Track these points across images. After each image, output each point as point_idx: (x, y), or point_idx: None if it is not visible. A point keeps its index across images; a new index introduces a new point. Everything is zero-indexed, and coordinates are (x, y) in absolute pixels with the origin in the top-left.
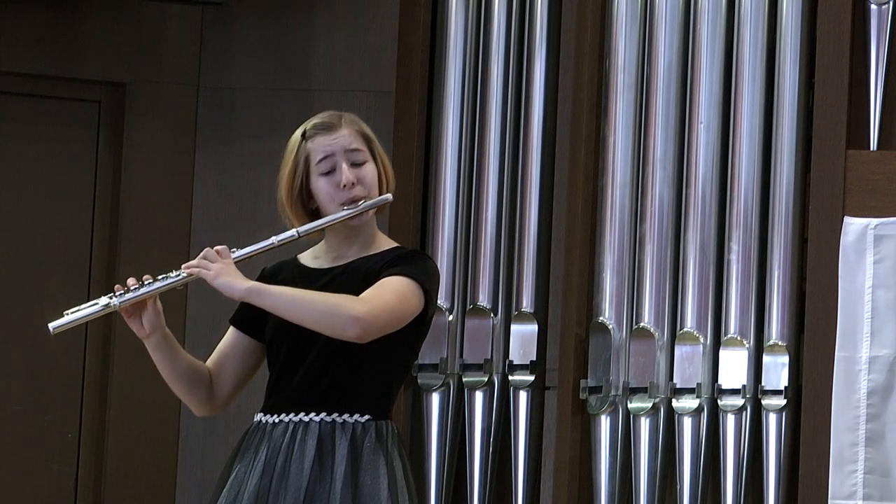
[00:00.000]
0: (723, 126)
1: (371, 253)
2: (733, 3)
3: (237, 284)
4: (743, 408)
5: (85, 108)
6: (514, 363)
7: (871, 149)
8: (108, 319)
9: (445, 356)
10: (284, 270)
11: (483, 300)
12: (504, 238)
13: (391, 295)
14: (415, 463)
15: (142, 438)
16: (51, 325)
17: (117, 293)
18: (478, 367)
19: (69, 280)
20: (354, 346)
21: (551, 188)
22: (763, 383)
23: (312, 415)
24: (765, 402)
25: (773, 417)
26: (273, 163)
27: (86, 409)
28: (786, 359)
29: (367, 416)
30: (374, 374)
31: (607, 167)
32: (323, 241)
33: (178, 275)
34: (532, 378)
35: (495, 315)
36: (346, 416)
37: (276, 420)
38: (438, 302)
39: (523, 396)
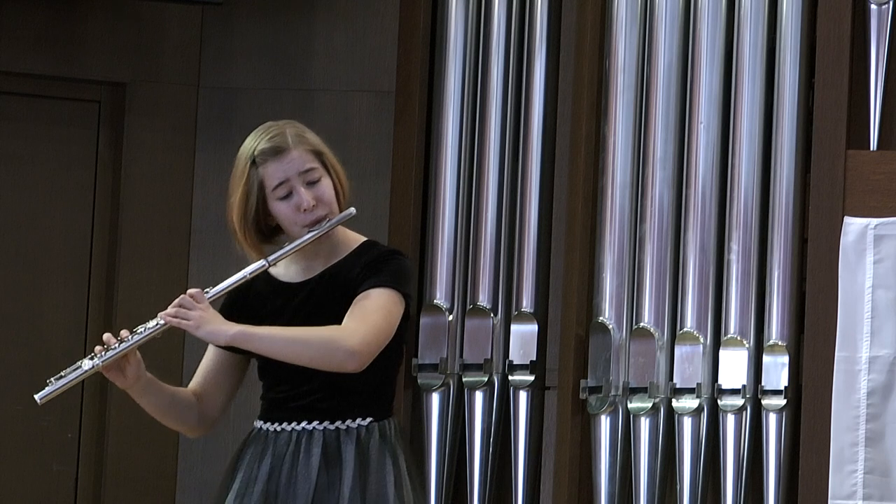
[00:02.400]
0: (723, 126)
1: (342, 257)
2: (733, 3)
3: (222, 332)
4: (743, 408)
5: (85, 108)
6: (514, 363)
7: (871, 149)
8: (109, 320)
9: (445, 356)
10: (256, 284)
11: (483, 300)
12: (504, 238)
13: (377, 315)
14: (415, 456)
15: (142, 438)
16: (37, 397)
17: (98, 354)
18: (478, 367)
19: (69, 280)
20: None
21: (551, 188)
22: (763, 383)
23: (316, 423)
24: (765, 402)
25: (773, 417)
26: None
27: (86, 409)
28: (786, 359)
29: (369, 419)
30: (374, 378)
31: (607, 167)
32: None
33: (157, 324)
34: (532, 378)
35: (495, 315)
36: (349, 422)
37: (279, 429)
38: (438, 302)
39: (523, 396)
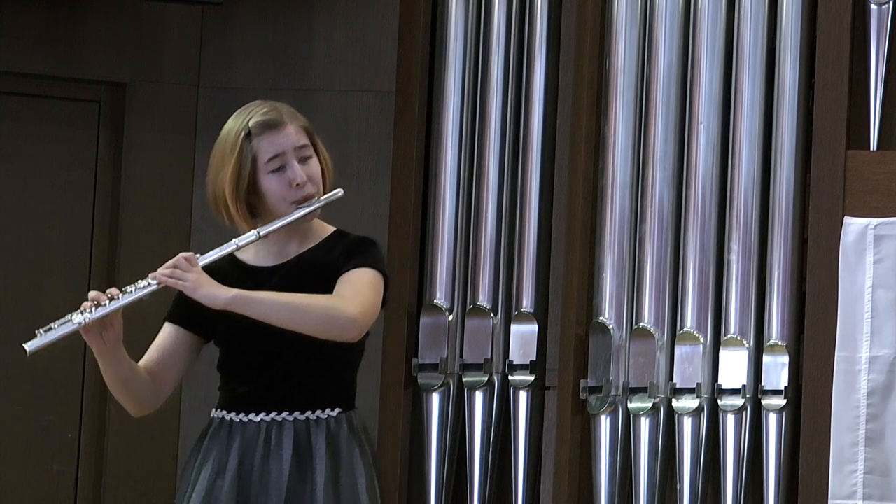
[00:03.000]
0: (723, 126)
1: (315, 244)
2: (733, 3)
3: (220, 294)
4: (743, 408)
5: (85, 108)
6: (514, 363)
7: (871, 149)
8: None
9: (445, 356)
10: (223, 269)
11: (483, 300)
12: (504, 238)
13: (369, 290)
14: (415, 463)
15: (142, 438)
16: (26, 346)
17: (87, 309)
18: (478, 367)
19: (69, 280)
20: (322, 345)
21: (551, 188)
22: (763, 383)
23: (286, 414)
24: (765, 402)
25: (773, 417)
26: None
27: (86, 409)
28: (786, 359)
29: (338, 410)
30: (341, 368)
31: (607, 167)
32: None
33: (148, 285)
34: (532, 378)
35: (495, 315)
36: (318, 413)
37: (245, 419)
38: (438, 301)
39: (523, 396)
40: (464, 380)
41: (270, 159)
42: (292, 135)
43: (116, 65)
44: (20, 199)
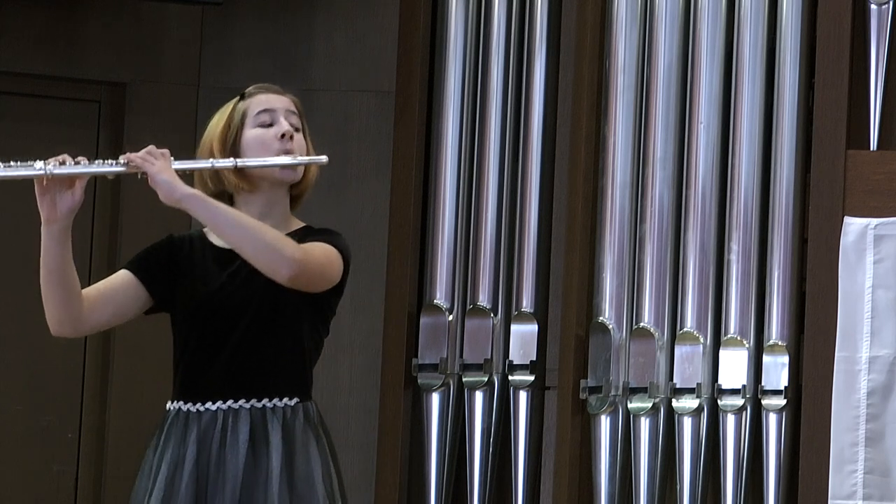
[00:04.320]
0: (723, 126)
1: (285, 233)
2: (733, 3)
3: (179, 186)
4: (743, 408)
5: (85, 108)
6: (514, 363)
7: (871, 149)
8: None
9: (445, 356)
10: (194, 244)
11: (483, 300)
12: (504, 238)
13: (321, 254)
14: (415, 463)
15: (142, 438)
16: None
17: (52, 163)
18: (478, 367)
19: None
20: (277, 324)
21: (551, 188)
22: (763, 383)
23: (242, 401)
24: (765, 402)
25: (773, 417)
26: None
27: (86, 409)
28: (786, 359)
29: (295, 399)
30: (296, 355)
31: (607, 167)
32: None
33: (117, 163)
34: (532, 378)
35: (495, 315)
36: (275, 401)
37: (202, 409)
38: (438, 302)
39: (523, 396)
40: (464, 380)
41: (260, 112)
42: (285, 100)
43: (116, 65)
44: (20, 200)
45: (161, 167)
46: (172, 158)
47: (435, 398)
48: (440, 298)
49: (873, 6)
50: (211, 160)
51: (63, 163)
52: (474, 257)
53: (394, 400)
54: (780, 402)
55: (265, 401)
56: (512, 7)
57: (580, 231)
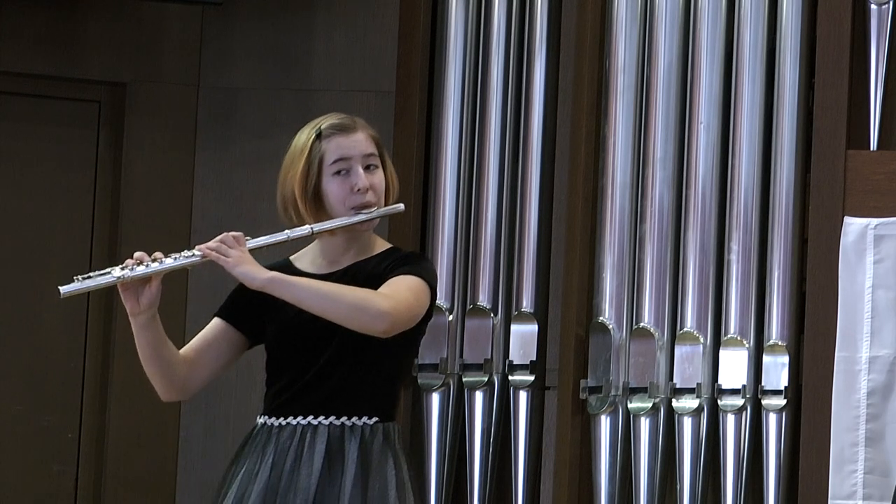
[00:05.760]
0: (723, 126)
1: (368, 256)
2: (733, 3)
3: (258, 274)
4: (743, 408)
5: (85, 108)
6: (514, 363)
7: (871, 149)
8: (109, 320)
9: (445, 356)
10: (283, 272)
11: (483, 300)
12: (504, 238)
13: (409, 293)
14: (415, 463)
15: (142, 438)
16: (62, 289)
17: (129, 266)
18: (478, 367)
19: (69, 280)
20: (365, 349)
21: (551, 188)
22: (763, 383)
23: (321, 418)
24: (765, 402)
25: (773, 417)
26: (273, 163)
27: (86, 409)
28: (786, 359)
29: (375, 419)
30: (381, 376)
31: (607, 167)
32: (316, 244)
33: (192, 255)
34: (532, 378)
35: (495, 315)
36: (354, 420)
37: (283, 423)
38: (438, 302)
39: (523, 396)
40: (464, 380)
41: (335, 161)
42: (361, 141)
43: (116, 65)
44: (20, 200)
45: (236, 259)
46: (249, 238)
47: (435, 398)
48: (440, 298)
49: (873, 6)
50: (286, 232)
51: (141, 262)
52: (474, 257)
53: None
54: (780, 402)
55: (343, 419)
56: (512, 7)
57: (580, 231)
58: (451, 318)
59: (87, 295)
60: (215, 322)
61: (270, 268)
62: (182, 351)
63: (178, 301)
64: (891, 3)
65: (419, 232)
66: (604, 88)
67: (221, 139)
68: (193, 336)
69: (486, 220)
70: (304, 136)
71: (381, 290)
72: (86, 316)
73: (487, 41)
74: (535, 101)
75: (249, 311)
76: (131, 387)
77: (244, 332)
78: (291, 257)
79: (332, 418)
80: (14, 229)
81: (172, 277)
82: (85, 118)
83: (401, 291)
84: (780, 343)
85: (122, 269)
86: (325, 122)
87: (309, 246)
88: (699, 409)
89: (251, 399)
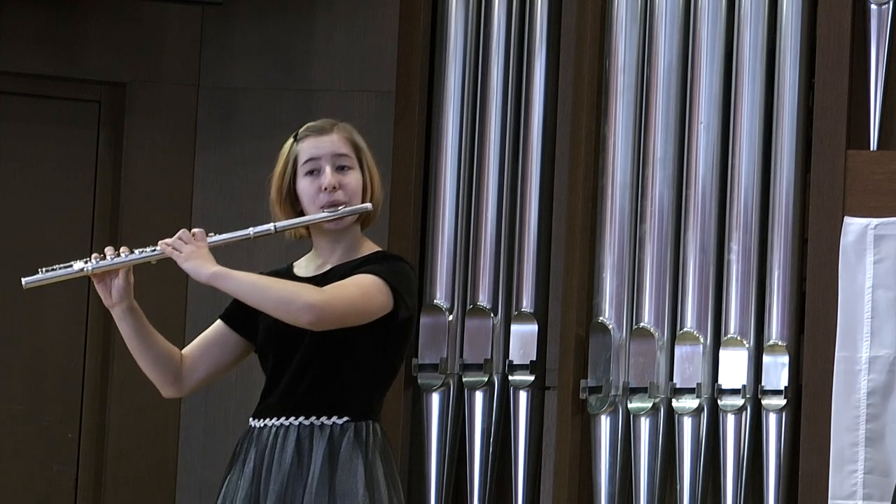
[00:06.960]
0: (723, 126)
1: (352, 258)
2: (733, 3)
3: (204, 269)
4: (743, 408)
5: (85, 108)
6: (514, 363)
7: (871, 149)
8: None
9: (445, 356)
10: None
11: (483, 300)
12: (504, 238)
13: (353, 289)
14: (415, 463)
15: (142, 438)
16: (24, 280)
17: (92, 259)
18: (478, 367)
19: (69, 280)
20: (333, 350)
21: (551, 188)
22: (763, 383)
23: (292, 419)
24: (765, 402)
25: (773, 417)
26: (273, 163)
27: (86, 409)
28: (786, 359)
29: (345, 418)
30: (354, 377)
31: (607, 167)
32: (313, 249)
33: (154, 250)
34: (532, 378)
35: (495, 315)
36: (323, 419)
37: (263, 425)
38: (438, 302)
39: (523, 396)
40: (464, 380)
41: (306, 161)
42: (333, 142)
43: (116, 65)
44: (20, 200)
45: (187, 254)
46: (212, 234)
47: (435, 398)
48: (440, 298)
49: (873, 6)
50: (249, 229)
51: (104, 257)
52: (474, 257)
53: (394, 400)
54: (780, 402)
55: (313, 418)
56: (512, 7)
57: (580, 231)
58: (451, 318)
59: (87, 296)
60: (217, 324)
61: (273, 274)
62: (184, 349)
63: (178, 301)
64: (891, 3)
65: (419, 232)
66: (604, 88)
67: (221, 139)
68: (194, 336)
69: (486, 220)
70: (289, 139)
71: (327, 286)
72: (86, 316)
73: (487, 41)
74: (534, 100)
75: (245, 312)
76: (131, 387)
77: (242, 336)
78: (294, 263)
79: (301, 418)
80: (14, 229)
81: (172, 277)
82: (85, 118)
83: (345, 288)
84: (780, 343)
85: (85, 262)
86: (305, 125)
87: (312, 250)
88: (699, 409)
89: (251, 399)
